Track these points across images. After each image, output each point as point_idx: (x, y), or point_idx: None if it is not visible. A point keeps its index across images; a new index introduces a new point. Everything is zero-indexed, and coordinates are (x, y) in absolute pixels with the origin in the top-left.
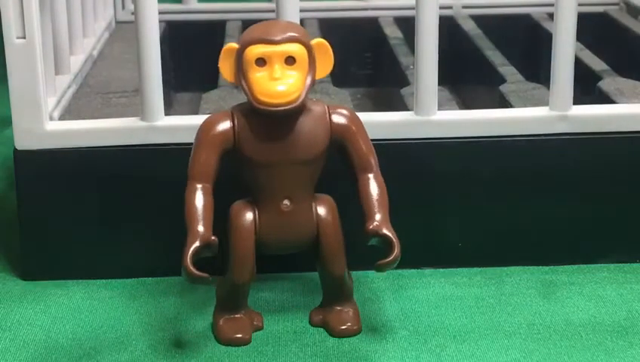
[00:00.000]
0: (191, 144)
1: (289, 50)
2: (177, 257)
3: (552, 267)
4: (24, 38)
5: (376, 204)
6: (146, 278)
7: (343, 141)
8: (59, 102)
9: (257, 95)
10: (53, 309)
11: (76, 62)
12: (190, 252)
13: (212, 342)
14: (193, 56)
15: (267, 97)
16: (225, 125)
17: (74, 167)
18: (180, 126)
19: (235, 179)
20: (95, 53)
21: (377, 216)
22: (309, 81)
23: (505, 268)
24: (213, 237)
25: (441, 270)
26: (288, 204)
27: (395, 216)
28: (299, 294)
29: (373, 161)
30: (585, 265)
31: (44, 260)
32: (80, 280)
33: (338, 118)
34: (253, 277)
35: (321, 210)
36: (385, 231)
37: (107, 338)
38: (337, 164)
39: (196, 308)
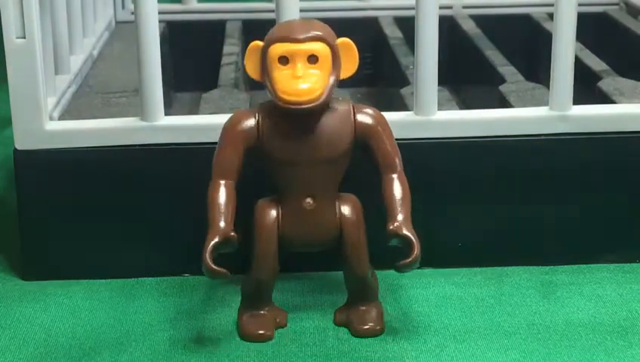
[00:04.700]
0: (191, 144)
1: (311, 48)
2: (177, 257)
3: (552, 267)
4: (24, 38)
5: (398, 204)
6: (145, 278)
7: (367, 140)
8: (59, 102)
9: (279, 93)
10: (53, 309)
11: (76, 62)
12: (209, 247)
13: (212, 342)
14: (193, 56)
15: (289, 95)
16: (249, 122)
17: (74, 167)
18: (180, 126)
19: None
20: (95, 53)
21: (399, 217)
22: (332, 79)
23: (505, 268)
24: (232, 233)
25: (441, 270)
26: (311, 202)
27: None
28: (298, 294)
29: (398, 161)
30: (585, 265)
31: (44, 260)
32: (80, 280)
33: (363, 118)
34: (276, 274)
35: (345, 209)
36: (405, 231)
37: (107, 338)
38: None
39: (196, 308)
